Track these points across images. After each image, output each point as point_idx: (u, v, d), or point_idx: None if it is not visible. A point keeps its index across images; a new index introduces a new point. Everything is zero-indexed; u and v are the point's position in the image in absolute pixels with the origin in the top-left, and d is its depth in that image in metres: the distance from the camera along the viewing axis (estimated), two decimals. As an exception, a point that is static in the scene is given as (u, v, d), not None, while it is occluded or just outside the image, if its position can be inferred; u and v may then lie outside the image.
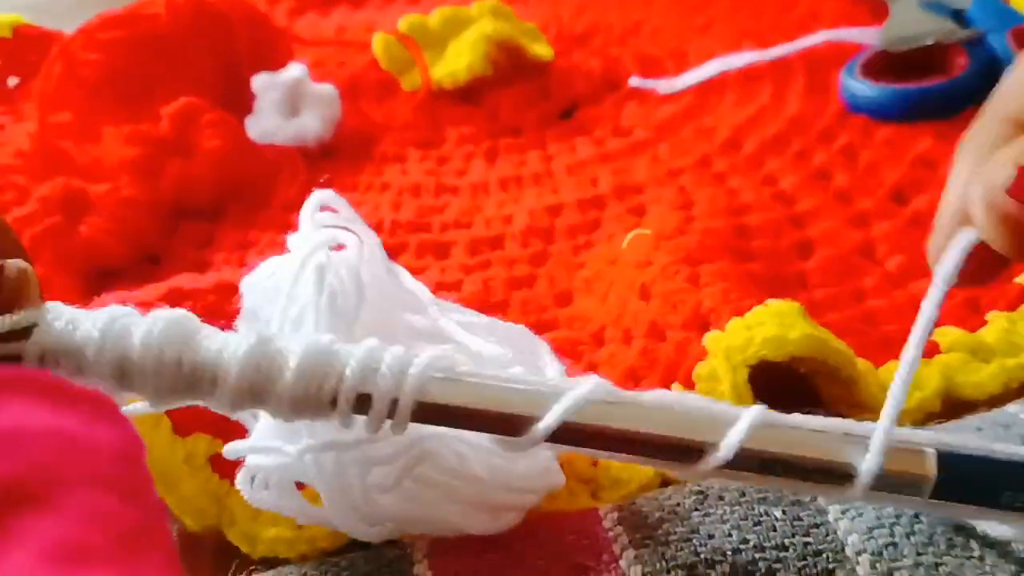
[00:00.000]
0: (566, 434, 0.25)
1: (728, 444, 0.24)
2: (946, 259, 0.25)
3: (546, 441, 0.25)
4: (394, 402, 0.25)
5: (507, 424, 0.25)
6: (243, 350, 0.24)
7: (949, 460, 0.25)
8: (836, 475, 0.25)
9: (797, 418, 0.25)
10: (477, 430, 0.25)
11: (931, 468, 0.25)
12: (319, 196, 0.32)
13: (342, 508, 0.28)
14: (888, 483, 0.25)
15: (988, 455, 0.25)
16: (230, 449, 0.29)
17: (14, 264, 0.24)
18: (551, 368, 0.31)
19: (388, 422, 0.25)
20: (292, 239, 0.32)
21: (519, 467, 0.29)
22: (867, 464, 0.24)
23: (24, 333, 0.24)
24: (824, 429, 0.25)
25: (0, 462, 0.18)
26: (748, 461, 0.24)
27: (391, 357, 0.25)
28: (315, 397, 0.24)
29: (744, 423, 0.24)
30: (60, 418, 0.20)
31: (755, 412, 0.25)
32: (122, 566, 0.18)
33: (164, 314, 0.25)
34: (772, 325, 0.33)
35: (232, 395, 0.24)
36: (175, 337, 0.24)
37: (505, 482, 0.28)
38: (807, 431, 0.25)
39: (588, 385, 0.25)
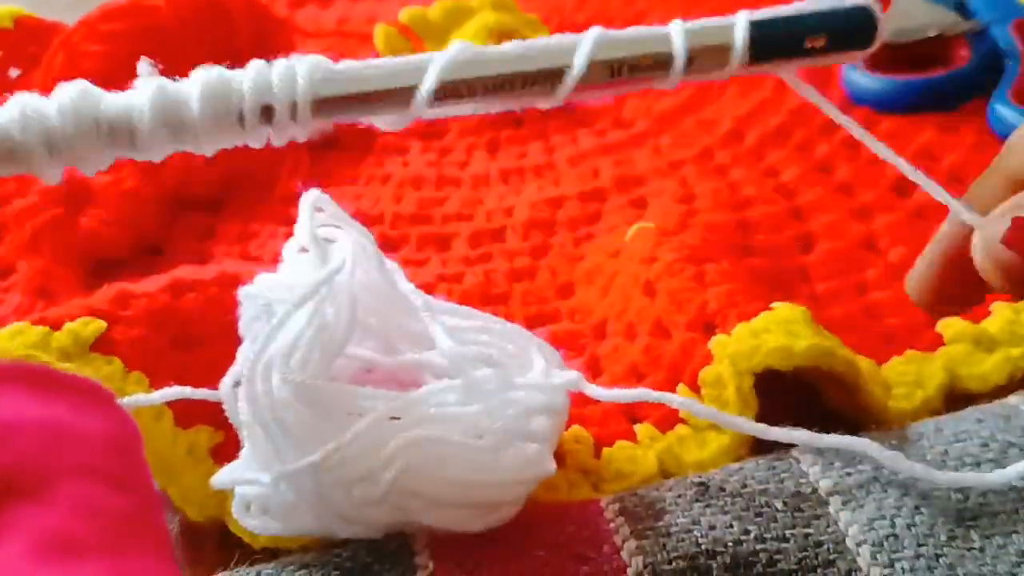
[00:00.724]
0: (447, 93, 0.27)
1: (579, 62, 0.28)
2: None
3: (431, 105, 0.27)
4: (294, 105, 0.27)
5: (395, 98, 0.27)
6: (147, 97, 0.26)
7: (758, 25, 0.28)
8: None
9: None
10: (372, 113, 0.28)
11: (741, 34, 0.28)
12: (313, 198, 0.33)
13: (333, 524, 0.29)
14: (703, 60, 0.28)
15: (786, 13, 0.29)
16: (216, 481, 0.30)
17: None
18: (539, 368, 0.31)
19: (292, 127, 0.27)
20: (288, 249, 0.32)
21: (505, 461, 0.29)
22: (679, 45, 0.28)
23: None
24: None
25: None
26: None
27: (280, 68, 0.27)
28: (224, 118, 0.26)
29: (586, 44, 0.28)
30: (50, 408, 0.19)
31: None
32: (112, 557, 0.18)
33: (68, 86, 0.26)
34: (779, 333, 0.32)
35: (151, 136, 0.26)
36: (86, 101, 0.26)
37: (491, 478, 0.29)
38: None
39: (455, 47, 0.27)
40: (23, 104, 0.26)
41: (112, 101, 0.26)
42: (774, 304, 0.34)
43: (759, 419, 0.32)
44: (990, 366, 0.34)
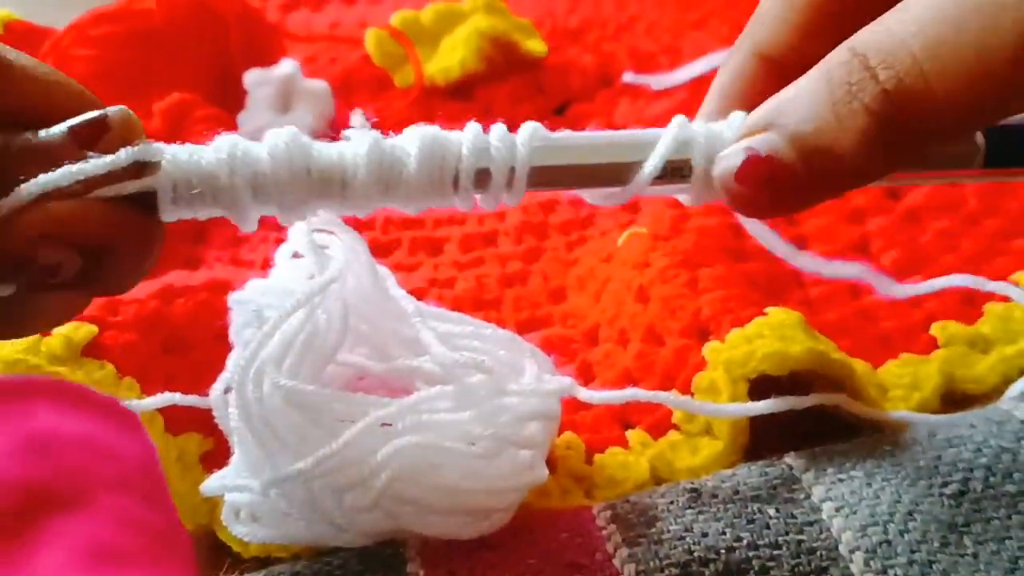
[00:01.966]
0: (671, 173, 0.27)
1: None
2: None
3: (653, 183, 0.27)
4: (511, 171, 0.27)
5: (615, 173, 0.27)
6: (364, 150, 0.26)
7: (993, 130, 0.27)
8: None
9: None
10: (588, 186, 0.28)
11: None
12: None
13: (325, 531, 0.29)
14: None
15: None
16: (206, 487, 0.30)
17: (116, 110, 0.24)
18: (531, 374, 0.31)
19: (505, 193, 0.27)
20: (280, 254, 0.32)
21: (497, 467, 0.29)
22: None
23: (148, 169, 0.24)
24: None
25: (33, 466, 0.18)
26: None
27: (499, 133, 0.27)
28: (439, 180, 0.26)
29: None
30: (87, 424, 0.20)
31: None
32: (151, 566, 0.18)
33: (282, 132, 0.26)
34: (773, 339, 0.32)
35: (362, 191, 0.26)
36: (298, 148, 0.25)
37: (484, 485, 0.29)
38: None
39: (676, 122, 0.28)
40: (232, 145, 0.25)
41: (324, 151, 0.26)
42: (768, 309, 0.34)
43: (753, 424, 0.32)
44: (985, 368, 0.34)
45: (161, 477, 0.21)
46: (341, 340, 0.30)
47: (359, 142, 0.26)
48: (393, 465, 0.27)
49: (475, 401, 0.29)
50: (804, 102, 0.24)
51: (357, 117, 0.28)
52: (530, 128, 0.28)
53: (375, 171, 0.26)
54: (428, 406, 0.29)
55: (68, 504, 0.18)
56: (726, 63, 0.29)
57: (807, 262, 0.33)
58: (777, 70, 0.28)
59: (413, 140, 0.27)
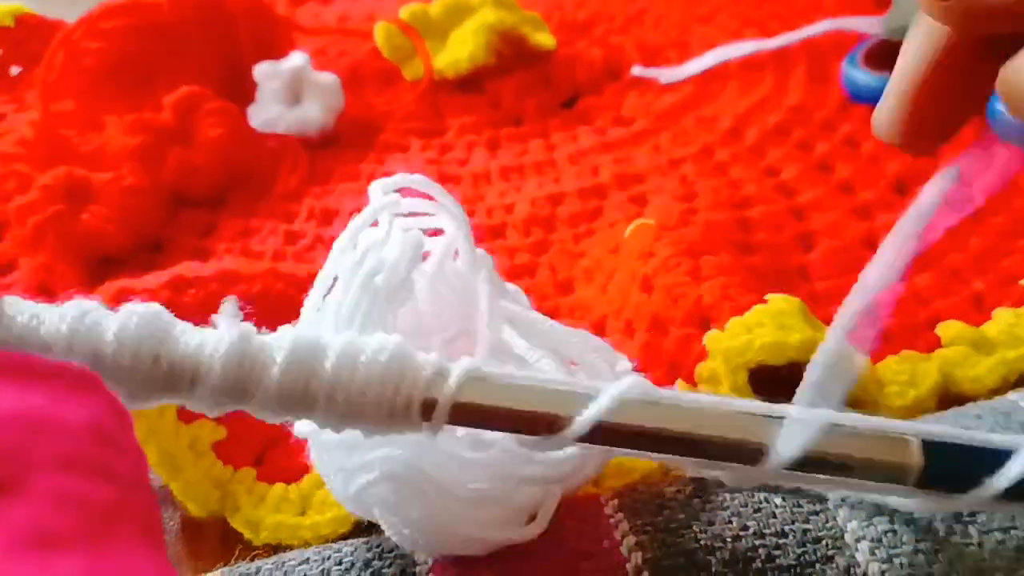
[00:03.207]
0: (603, 434, 0.24)
1: (787, 446, 0.24)
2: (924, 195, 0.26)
3: (582, 441, 0.24)
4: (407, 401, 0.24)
5: (541, 423, 0.24)
6: (225, 346, 0.23)
7: (934, 448, 0.25)
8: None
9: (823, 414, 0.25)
10: (508, 430, 0.25)
11: (916, 456, 0.24)
12: (402, 179, 0.30)
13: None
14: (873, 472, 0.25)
15: (970, 443, 0.25)
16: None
17: None
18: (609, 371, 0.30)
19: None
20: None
21: (479, 516, 0.27)
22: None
23: None
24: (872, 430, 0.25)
25: None
26: (812, 464, 0.24)
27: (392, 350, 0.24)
28: (301, 395, 0.23)
29: (810, 427, 0.24)
30: (27, 398, 0.19)
31: (820, 416, 0.24)
32: (90, 549, 0.18)
33: (139, 308, 0.23)
34: (772, 327, 0.33)
35: (213, 393, 0.23)
36: (151, 333, 0.23)
37: (462, 530, 0.27)
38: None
39: (624, 384, 0.24)
40: (78, 316, 0.22)
41: (184, 337, 0.23)
42: (768, 296, 0.34)
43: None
44: (984, 369, 0.34)
45: (124, 440, 0.20)
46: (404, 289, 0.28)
47: (223, 336, 0.23)
48: (377, 488, 0.26)
49: (492, 453, 0.27)
50: None
51: (228, 305, 0.25)
52: (462, 365, 0.24)
53: (232, 373, 0.23)
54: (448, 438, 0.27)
55: (3, 487, 0.18)
56: (921, 30, 0.26)
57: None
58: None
59: (284, 344, 0.23)
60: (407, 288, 0.28)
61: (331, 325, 0.27)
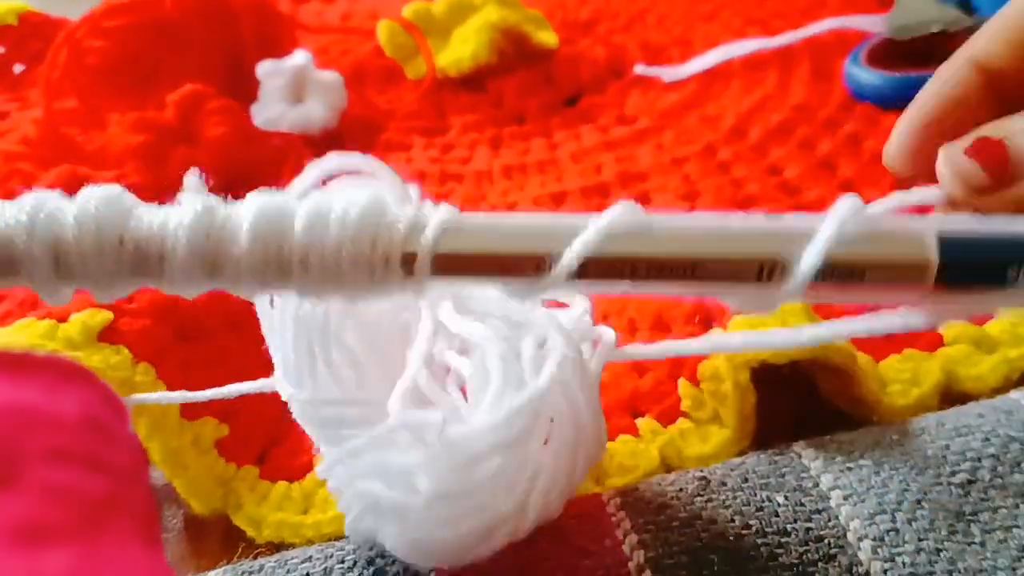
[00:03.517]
0: (595, 269, 0.22)
1: (813, 253, 0.21)
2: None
3: (572, 279, 0.22)
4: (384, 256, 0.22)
5: (527, 265, 0.22)
6: (189, 219, 0.22)
7: (950, 243, 0.22)
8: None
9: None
10: (496, 278, 0.23)
11: (932, 253, 0.22)
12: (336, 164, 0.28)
13: None
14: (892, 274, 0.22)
15: (987, 234, 0.23)
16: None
17: None
18: (495, 392, 0.27)
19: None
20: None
21: (435, 517, 0.26)
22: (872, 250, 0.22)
23: None
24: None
25: None
26: (834, 271, 0.22)
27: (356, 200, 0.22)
28: (274, 261, 0.22)
29: (829, 231, 0.22)
30: (19, 391, 0.19)
31: (840, 219, 0.22)
32: (82, 541, 0.18)
33: (97, 190, 0.22)
34: (775, 325, 0.33)
35: (183, 270, 0.22)
36: (113, 213, 0.22)
37: (423, 535, 0.26)
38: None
39: (613, 211, 0.22)
40: (36, 204, 0.21)
41: (146, 216, 0.22)
42: None
43: (758, 414, 0.32)
44: (987, 368, 0.34)
45: (118, 432, 0.20)
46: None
47: (186, 209, 0.22)
48: (356, 507, 0.27)
49: (431, 450, 0.26)
50: None
51: (191, 179, 0.24)
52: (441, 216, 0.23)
53: (200, 245, 0.22)
54: (389, 441, 0.26)
55: None
56: (944, 68, 0.30)
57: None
58: (991, 82, 0.28)
59: (250, 210, 0.22)
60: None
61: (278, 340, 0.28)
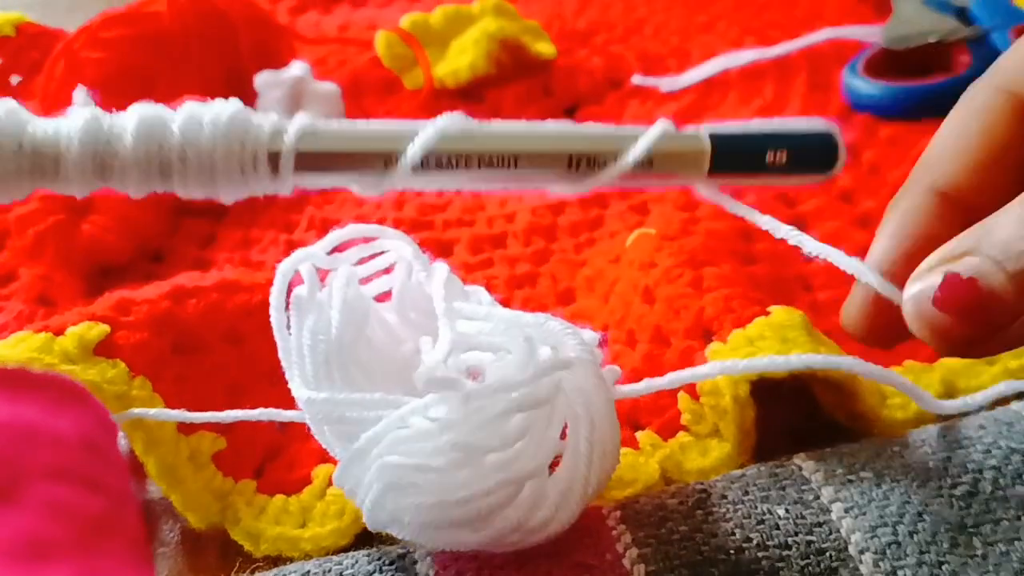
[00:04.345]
0: (434, 162, 0.26)
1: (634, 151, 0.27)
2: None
3: (416, 171, 0.26)
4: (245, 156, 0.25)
5: (376, 160, 0.26)
6: (80, 123, 0.25)
7: (719, 139, 0.28)
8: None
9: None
10: (350, 171, 0.26)
11: (706, 144, 0.28)
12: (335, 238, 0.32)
13: None
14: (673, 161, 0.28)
15: (746, 130, 0.29)
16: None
17: None
18: (517, 362, 0.28)
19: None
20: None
21: (462, 478, 0.27)
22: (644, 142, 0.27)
23: None
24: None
25: None
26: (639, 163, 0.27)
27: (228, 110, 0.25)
28: (156, 160, 0.25)
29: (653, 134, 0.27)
30: (19, 409, 0.19)
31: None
32: (82, 559, 0.18)
33: None
34: (774, 340, 0.32)
35: (76, 170, 0.24)
36: (11, 122, 0.24)
37: (446, 498, 0.27)
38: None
39: (445, 118, 0.26)
40: None
41: (41, 125, 0.25)
42: (771, 308, 0.34)
43: (757, 427, 0.32)
44: (988, 378, 0.34)
45: (109, 454, 0.21)
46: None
47: (76, 117, 0.25)
48: (375, 487, 0.27)
49: (455, 408, 0.27)
50: (1015, 227, 0.23)
51: (79, 94, 0.28)
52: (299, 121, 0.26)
53: (90, 147, 0.24)
54: (416, 419, 0.27)
55: None
56: (900, 199, 0.29)
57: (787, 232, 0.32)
58: (955, 207, 0.27)
59: (132, 116, 0.25)
60: (362, 323, 0.30)
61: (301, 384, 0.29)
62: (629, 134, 0.28)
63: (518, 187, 0.28)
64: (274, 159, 0.26)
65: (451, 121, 0.26)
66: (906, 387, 0.31)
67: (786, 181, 0.29)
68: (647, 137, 0.27)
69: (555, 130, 0.28)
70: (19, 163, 0.24)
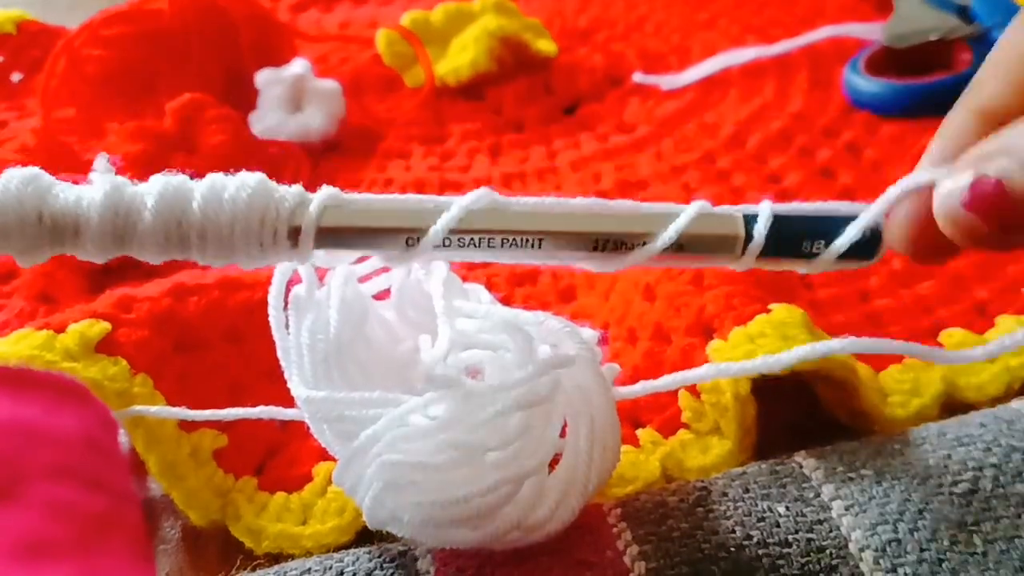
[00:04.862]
0: (458, 242, 0.26)
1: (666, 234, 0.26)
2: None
3: (439, 249, 0.26)
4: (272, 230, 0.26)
5: (399, 238, 0.26)
6: (100, 197, 0.25)
7: (754, 221, 0.27)
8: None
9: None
10: (371, 248, 0.26)
11: (739, 228, 0.27)
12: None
13: None
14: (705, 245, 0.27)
15: (785, 213, 0.28)
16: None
17: None
18: (517, 360, 0.28)
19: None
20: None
21: (462, 476, 0.27)
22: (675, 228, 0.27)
23: None
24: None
25: None
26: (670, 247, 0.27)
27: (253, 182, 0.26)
28: (175, 235, 0.25)
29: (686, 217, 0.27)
30: (21, 408, 0.19)
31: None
32: (83, 558, 0.18)
33: (16, 172, 0.25)
34: (774, 338, 0.32)
35: (95, 241, 0.25)
36: (32, 192, 0.25)
37: (447, 497, 0.27)
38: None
39: (471, 196, 0.26)
40: None
41: (63, 194, 0.25)
42: (772, 306, 0.34)
43: (758, 424, 0.32)
44: (988, 376, 0.34)
45: (110, 452, 0.21)
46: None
47: (97, 187, 0.25)
48: (375, 486, 0.27)
49: (455, 406, 0.27)
50: None
51: (100, 161, 0.28)
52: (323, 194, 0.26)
53: (109, 220, 0.25)
54: (416, 417, 0.28)
55: None
56: (947, 121, 0.28)
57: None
58: (997, 124, 0.27)
59: (153, 188, 0.25)
60: (361, 322, 0.30)
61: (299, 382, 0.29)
62: (660, 213, 0.27)
63: (544, 264, 0.28)
64: (294, 233, 0.26)
65: (476, 198, 0.26)
66: (908, 349, 0.31)
67: (823, 268, 0.28)
68: (678, 221, 0.27)
69: (583, 207, 0.27)
70: (39, 234, 0.25)
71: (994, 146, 0.25)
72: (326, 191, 0.26)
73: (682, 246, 0.27)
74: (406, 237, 0.26)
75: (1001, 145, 0.25)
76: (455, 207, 0.26)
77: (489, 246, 0.26)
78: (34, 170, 0.25)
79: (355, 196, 0.26)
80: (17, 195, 0.24)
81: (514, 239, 0.26)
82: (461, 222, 0.26)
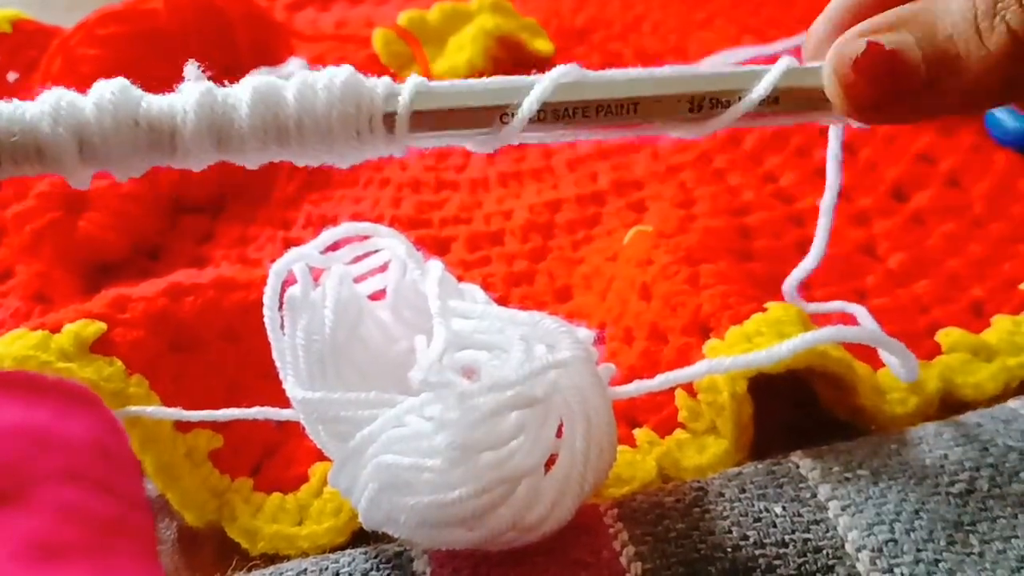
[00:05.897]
0: (551, 114, 0.26)
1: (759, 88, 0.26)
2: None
3: (533, 124, 0.26)
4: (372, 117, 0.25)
5: (492, 116, 0.26)
6: (195, 97, 0.25)
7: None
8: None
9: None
10: (465, 128, 0.26)
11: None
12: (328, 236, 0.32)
13: None
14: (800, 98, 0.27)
15: None
16: None
17: None
18: (515, 360, 0.29)
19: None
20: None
21: (456, 477, 0.27)
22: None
23: None
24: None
25: None
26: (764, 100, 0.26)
27: (332, 76, 0.26)
28: (273, 127, 0.25)
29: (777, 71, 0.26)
30: (33, 413, 0.20)
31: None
32: (94, 560, 0.18)
33: (108, 83, 0.25)
34: (771, 336, 0.32)
35: (193, 142, 0.25)
36: (126, 100, 0.25)
37: (441, 498, 0.27)
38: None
39: (558, 70, 0.26)
40: (56, 97, 0.24)
41: (155, 102, 0.25)
42: (768, 304, 0.34)
43: (755, 424, 0.32)
44: (986, 375, 0.34)
45: (120, 457, 0.21)
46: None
47: (190, 91, 0.25)
48: (370, 487, 0.27)
49: (450, 407, 0.27)
50: (943, 8, 0.24)
51: (191, 68, 0.27)
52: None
53: (207, 118, 0.25)
54: (411, 418, 0.28)
55: (9, 500, 0.18)
56: None
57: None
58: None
59: (246, 87, 0.25)
60: (356, 322, 0.30)
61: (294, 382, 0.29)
62: (751, 71, 0.27)
63: (637, 133, 0.28)
64: (389, 120, 0.26)
65: (564, 71, 0.26)
66: (890, 345, 0.31)
67: None
68: (771, 73, 0.26)
69: (673, 73, 0.27)
70: (136, 139, 0.24)
71: (894, 17, 0.25)
72: (414, 78, 0.26)
73: (777, 99, 0.26)
74: (500, 114, 0.26)
75: (902, 17, 0.25)
76: (546, 79, 0.26)
77: (584, 115, 0.26)
78: (123, 81, 0.25)
79: (442, 83, 0.26)
80: (112, 101, 0.24)
81: (609, 107, 0.26)
82: (554, 94, 0.26)
